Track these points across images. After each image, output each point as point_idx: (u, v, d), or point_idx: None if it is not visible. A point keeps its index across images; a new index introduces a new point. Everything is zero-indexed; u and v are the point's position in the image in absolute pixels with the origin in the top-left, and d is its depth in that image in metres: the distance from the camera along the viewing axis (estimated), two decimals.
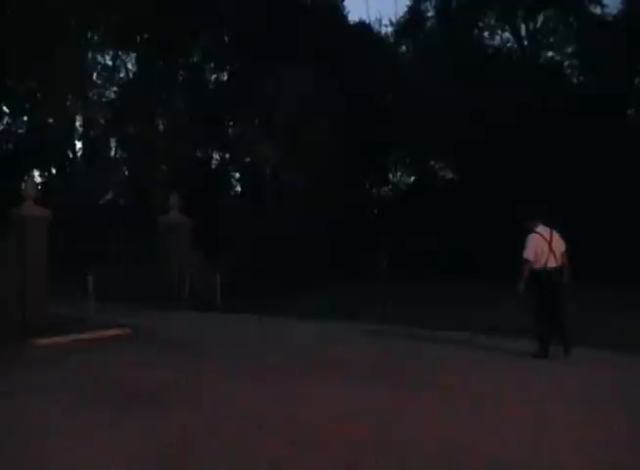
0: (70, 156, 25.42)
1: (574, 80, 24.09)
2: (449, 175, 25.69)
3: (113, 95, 25.26)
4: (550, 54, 24.62)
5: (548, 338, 8.05)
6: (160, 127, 24.55)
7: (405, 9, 25.86)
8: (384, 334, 10.37)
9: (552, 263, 8.07)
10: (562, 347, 7.99)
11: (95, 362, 8.09)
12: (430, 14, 25.66)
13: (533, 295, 8.09)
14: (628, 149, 19.39)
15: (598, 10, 23.26)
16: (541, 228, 8.24)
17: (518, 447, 4.61)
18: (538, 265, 8.05)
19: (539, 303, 8.06)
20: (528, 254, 8.08)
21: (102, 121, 25.11)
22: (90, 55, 23.89)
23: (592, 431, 4.97)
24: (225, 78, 25.82)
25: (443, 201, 21.67)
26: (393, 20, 26.07)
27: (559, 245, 8.19)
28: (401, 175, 27.03)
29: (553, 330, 8.11)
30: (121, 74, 25.52)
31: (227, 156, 26.01)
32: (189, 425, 5.19)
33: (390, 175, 26.68)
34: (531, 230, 8.23)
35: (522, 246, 8.24)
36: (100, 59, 24.64)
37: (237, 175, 26.41)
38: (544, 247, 8.08)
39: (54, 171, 25.77)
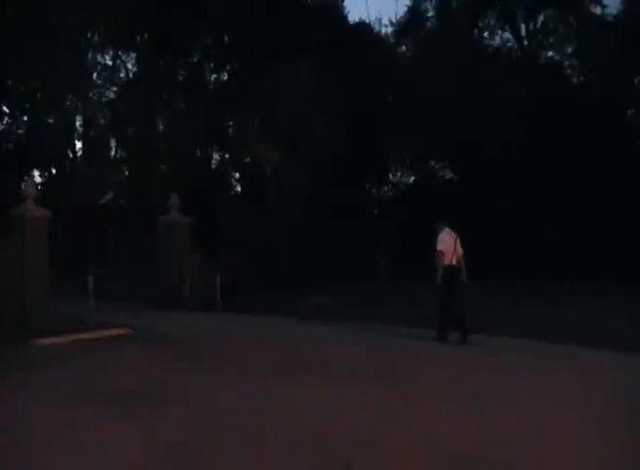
0: (70, 156, 25.40)
1: (574, 80, 24.09)
2: (449, 175, 25.68)
3: (113, 95, 25.25)
4: (550, 54, 24.63)
5: (449, 326, 9.24)
6: (160, 127, 24.53)
7: (405, 9, 25.81)
8: (384, 333, 10.37)
9: (454, 262, 9.43)
10: (459, 334, 9.12)
11: (95, 362, 8.09)
12: (430, 14, 25.61)
13: (440, 287, 9.27)
14: (628, 149, 19.39)
15: (598, 10, 23.29)
16: (447, 231, 9.56)
17: (519, 447, 4.61)
18: (447, 262, 9.26)
19: (445, 294, 9.24)
20: (442, 247, 9.35)
21: (102, 121, 25.10)
22: (90, 55, 23.88)
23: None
24: (225, 78, 25.80)
25: (443, 201, 21.64)
26: (393, 20, 25.96)
27: (459, 248, 9.57)
28: (401, 175, 27.01)
29: (454, 319, 9.31)
30: (121, 74, 25.53)
31: (227, 156, 25.99)
32: (189, 425, 5.19)
33: (390, 175, 26.65)
34: (440, 231, 9.55)
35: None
36: (100, 59, 24.64)
37: (237, 175, 26.40)
38: (451, 245, 9.39)
39: (54, 171, 25.72)
